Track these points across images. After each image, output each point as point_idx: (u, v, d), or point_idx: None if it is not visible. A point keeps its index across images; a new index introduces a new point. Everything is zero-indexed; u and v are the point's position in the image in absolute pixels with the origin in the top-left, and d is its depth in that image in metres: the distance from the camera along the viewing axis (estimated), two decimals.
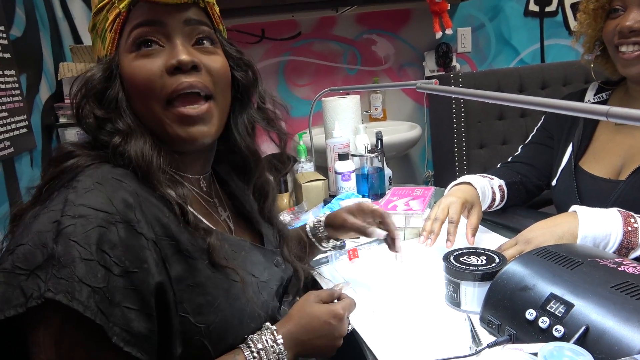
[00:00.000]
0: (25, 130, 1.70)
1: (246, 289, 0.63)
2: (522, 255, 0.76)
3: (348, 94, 1.62)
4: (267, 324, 0.65)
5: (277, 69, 2.41)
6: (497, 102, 0.68)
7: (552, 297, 0.65)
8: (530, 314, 0.65)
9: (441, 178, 2.53)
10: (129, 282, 0.50)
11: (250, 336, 0.62)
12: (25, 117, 1.71)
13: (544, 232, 0.86)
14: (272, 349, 0.61)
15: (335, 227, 0.92)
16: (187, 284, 0.56)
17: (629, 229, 0.81)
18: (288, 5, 1.99)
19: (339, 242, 0.96)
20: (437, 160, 2.58)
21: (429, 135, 2.55)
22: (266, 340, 0.61)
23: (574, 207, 0.89)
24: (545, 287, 0.67)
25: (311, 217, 1.23)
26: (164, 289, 0.54)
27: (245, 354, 0.60)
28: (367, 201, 0.96)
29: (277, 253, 0.76)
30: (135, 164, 0.58)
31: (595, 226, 0.83)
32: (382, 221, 0.88)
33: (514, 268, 0.73)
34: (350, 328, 0.72)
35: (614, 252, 0.82)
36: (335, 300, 0.71)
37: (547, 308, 0.64)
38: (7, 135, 1.57)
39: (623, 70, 0.97)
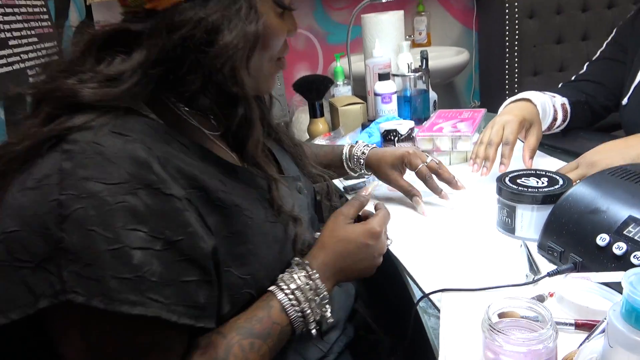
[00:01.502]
0: (56, 57, 1.66)
1: (288, 228, 0.56)
2: (593, 175, 0.65)
3: (390, 9, 1.46)
4: (297, 258, 0.56)
5: None
6: None
7: (632, 219, 0.55)
8: (602, 240, 0.56)
9: (489, 108, 2.36)
10: (177, 254, 0.42)
11: (280, 275, 0.54)
12: (55, 43, 1.66)
13: (612, 154, 0.75)
14: (307, 286, 0.53)
15: (377, 173, 0.88)
16: (224, 235, 0.49)
17: None
18: None
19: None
20: (484, 89, 2.40)
21: (477, 61, 2.36)
22: (299, 278, 0.53)
23: None
24: (622, 209, 0.57)
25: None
26: (216, 248, 0.47)
27: (279, 297, 0.52)
28: (416, 150, 0.86)
29: (297, 178, 0.68)
30: (246, 134, 0.53)
31: None
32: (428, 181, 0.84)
33: (582, 190, 0.63)
34: (389, 242, 0.65)
35: None
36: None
37: (625, 232, 0.55)
38: (38, 61, 1.54)
39: None
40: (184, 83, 0.49)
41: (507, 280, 0.60)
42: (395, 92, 1.22)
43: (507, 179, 0.72)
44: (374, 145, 0.90)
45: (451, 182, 0.84)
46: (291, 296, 0.52)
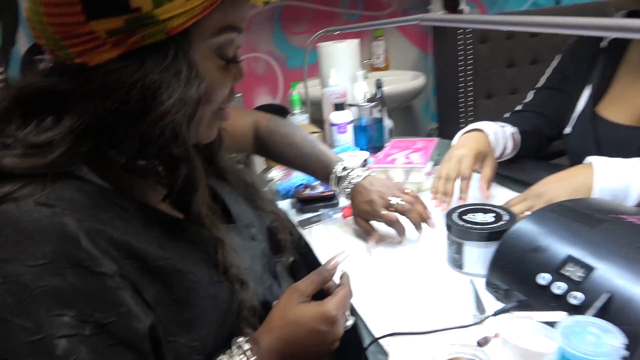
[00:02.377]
0: (1, 85, 1.61)
1: (232, 291, 0.52)
2: (535, 212, 0.67)
3: (346, 38, 1.49)
4: (239, 340, 0.51)
5: (272, 16, 2.25)
6: (512, 28, 0.57)
7: (570, 259, 0.57)
8: (543, 279, 0.57)
9: (446, 130, 2.42)
10: (109, 337, 0.40)
11: (219, 358, 0.50)
12: (2, 69, 1.60)
13: (556, 185, 0.78)
14: None
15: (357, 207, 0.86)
16: (167, 303, 0.46)
17: None
18: None
19: None
20: (441, 112, 2.46)
21: (434, 84, 2.42)
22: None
23: (589, 158, 0.80)
24: (561, 248, 0.59)
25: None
26: (155, 326, 0.44)
27: None
28: (389, 195, 0.84)
29: (250, 225, 0.65)
30: (190, 192, 0.48)
31: (614, 177, 0.75)
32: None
33: (525, 227, 0.65)
34: (349, 324, 0.59)
35: (635, 206, 0.74)
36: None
37: (563, 272, 0.56)
38: None
39: None
40: (120, 148, 0.46)
41: (457, 319, 0.60)
42: (351, 122, 1.24)
43: (455, 215, 0.73)
44: (368, 175, 0.87)
45: (418, 227, 0.82)
46: None
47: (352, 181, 0.85)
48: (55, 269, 0.38)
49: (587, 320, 0.40)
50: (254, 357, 0.50)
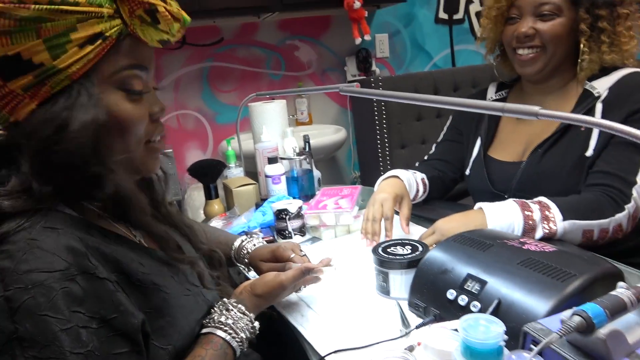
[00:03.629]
0: None
1: (199, 298, 0.66)
2: (442, 242, 0.83)
3: (274, 98, 1.65)
4: (232, 301, 0.69)
5: (200, 76, 2.38)
6: (412, 102, 0.74)
7: (469, 276, 0.72)
8: (451, 294, 0.72)
9: (368, 178, 2.63)
10: (110, 330, 0.49)
11: (213, 317, 0.66)
12: None
13: (458, 224, 0.94)
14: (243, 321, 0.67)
15: (254, 268, 0.93)
16: (145, 311, 0.56)
17: (527, 213, 0.92)
18: (209, 11, 1.98)
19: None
20: (362, 161, 2.68)
21: (354, 137, 2.65)
22: (239, 318, 0.67)
23: (479, 204, 0.98)
24: (462, 268, 0.74)
25: (243, 220, 1.24)
26: (144, 322, 0.54)
27: (220, 334, 0.64)
28: (291, 244, 0.93)
29: (198, 257, 0.76)
30: (128, 206, 0.58)
31: (500, 218, 0.93)
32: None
33: (435, 254, 0.80)
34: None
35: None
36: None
37: (465, 287, 0.71)
38: None
39: (520, 70, 1.10)
40: (56, 179, 0.54)
41: (387, 335, 0.72)
42: (284, 174, 1.37)
43: (380, 249, 0.87)
44: (263, 243, 0.97)
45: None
46: (231, 331, 0.65)
47: (253, 245, 0.94)
48: (69, 275, 0.48)
49: (478, 316, 0.54)
50: (251, 313, 0.69)
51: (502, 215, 0.93)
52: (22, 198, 0.53)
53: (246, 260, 0.94)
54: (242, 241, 0.96)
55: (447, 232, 0.93)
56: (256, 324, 0.70)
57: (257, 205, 1.34)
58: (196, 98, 2.41)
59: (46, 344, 0.45)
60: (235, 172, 1.52)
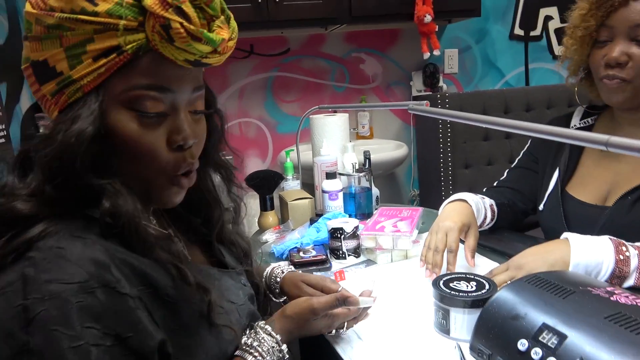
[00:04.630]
0: (2, 140, 1.65)
1: (231, 318, 0.61)
2: (513, 282, 0.74)
3: (336, 112, 1.61)
4: (261, 323, 0.67)
5: (264, 85, 2.40)
6: (491, 126, 0.67)
7: (545, 327, 0.63)
8: (522, 345, 0.63)
9: (427, 197, 2.53)
10: (125, 349, 0.46)
11: (244, 341, 0.63)
12: (3, 126, 1.66)
13: (535, 258, 0.85)
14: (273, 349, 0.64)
15: (290, 295, 0.83)
16: (172, 328, 0.53)
17: (621, 257, 0.81)
18: (278, 21, 1.99)
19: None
20: (422, 180, 2.58)
21: (415, 154, 2.56)
22: (264, 339, 0.64)
23: (565, 234, 0.88)
24: (537, 316, 0.65)
25: (297, 235, 1.20)
26: (164, 343, 0.51)
27: (241, 354, 0.61)
28: (330, 278, 0.84)
29: (241, 273, 0.74)
30: (127, 229, 0.51)
31: (588, 254, 0.82)
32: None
33: (505, 295, 0.71)
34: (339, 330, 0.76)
35: (605, 281, 0.82)
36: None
37: (540, 339, 0.62)
38: None
39: (607, 98, 0.98)
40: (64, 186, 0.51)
41: None
42: (341, 190, 1.32)
43: (441, 283, 0.80)
44: (291, 269, 0.89)
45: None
46: (255, 353, 0.62)
47: (281, 270, 0.87)
48: (89, 288, 0.45)
49: None
50: (278, 335, 0.65)
51: (590, 252, 0.82)
52: (38, 202, 0.50)
53: (277, 285, 0.86)
54: (273, 268, 0.89)
55: (522, 268, 0.84)
56: (284, 347, 0.65)
57: (312, 221, 1.30)
58: (259, 107, 2.43)
59: None
60: (292, 185, 1.50)
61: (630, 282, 0.80)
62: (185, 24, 0.49)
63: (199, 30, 0.49)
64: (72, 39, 0.49)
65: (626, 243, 0.83)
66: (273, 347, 0.64)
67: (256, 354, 0.62)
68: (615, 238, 0.84)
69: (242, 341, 0.63)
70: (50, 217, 0.50)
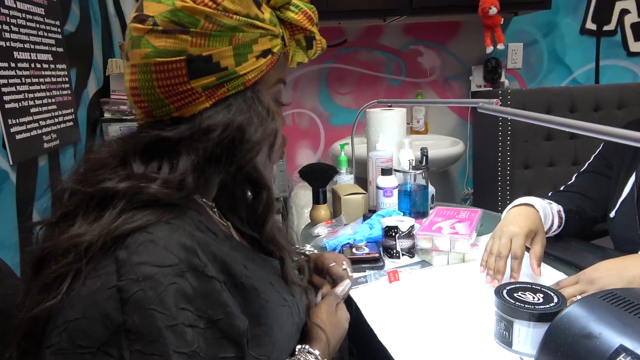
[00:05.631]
0: (71, 123, 1.74)
1: (293, 311, 0.62)
2: (586, 297, 0.69)
3: (391, 106, 1.57)
4: (305, 346, 0.63)
5: (319, 76, 2.39)
6: (571, 130, 0.62)
7: (622, 349, 0.58)
8: None
9: (481, 197, 2.44)
10: (218, 332, 0.47)
11: None
12: (72, 110, 1.74)
13: (610, 273, 0.79)
14: None
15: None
16: (245, 316, 0.53)
17: None
18: (336, 12, 1.96)
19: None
20: (477, 178, 2.50)
21: (471, 152, 2.48)
22: None
23: None
24: (613, 337, 0.60)
25: (349, 231, 1.19)
26: (248, 327, 0.52)
27: None
28: (328, 254, 0.88)
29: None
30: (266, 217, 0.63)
31: None
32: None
33: (576, 311, 0.67)
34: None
35: None
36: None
37: None
38: (54, 127, 1.61)
39: None
40: (216, 177, 0.59)
41: None
42: (397, 187, 1.29)
43: (504, 292, 0.76)
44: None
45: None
46: None
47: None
48: (179, 271, 0.46)
49: None
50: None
51: None
52: (175, 189, 0.52)
53: None
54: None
55: (595, 283, 0.78)
56: None
57: (365, 217, 1.28)
58: (313, 98, 2.42)
59: (151, 340, 0.43)
60: (345, 179, 1.48)
61: None
62: (319, 35, 0.63)
63: (323, 40, 0.64)
64: (242, 39, 0.55)
65: None
66: None
67: None
68: None
69: None
70: (161, 206, 0.51)
